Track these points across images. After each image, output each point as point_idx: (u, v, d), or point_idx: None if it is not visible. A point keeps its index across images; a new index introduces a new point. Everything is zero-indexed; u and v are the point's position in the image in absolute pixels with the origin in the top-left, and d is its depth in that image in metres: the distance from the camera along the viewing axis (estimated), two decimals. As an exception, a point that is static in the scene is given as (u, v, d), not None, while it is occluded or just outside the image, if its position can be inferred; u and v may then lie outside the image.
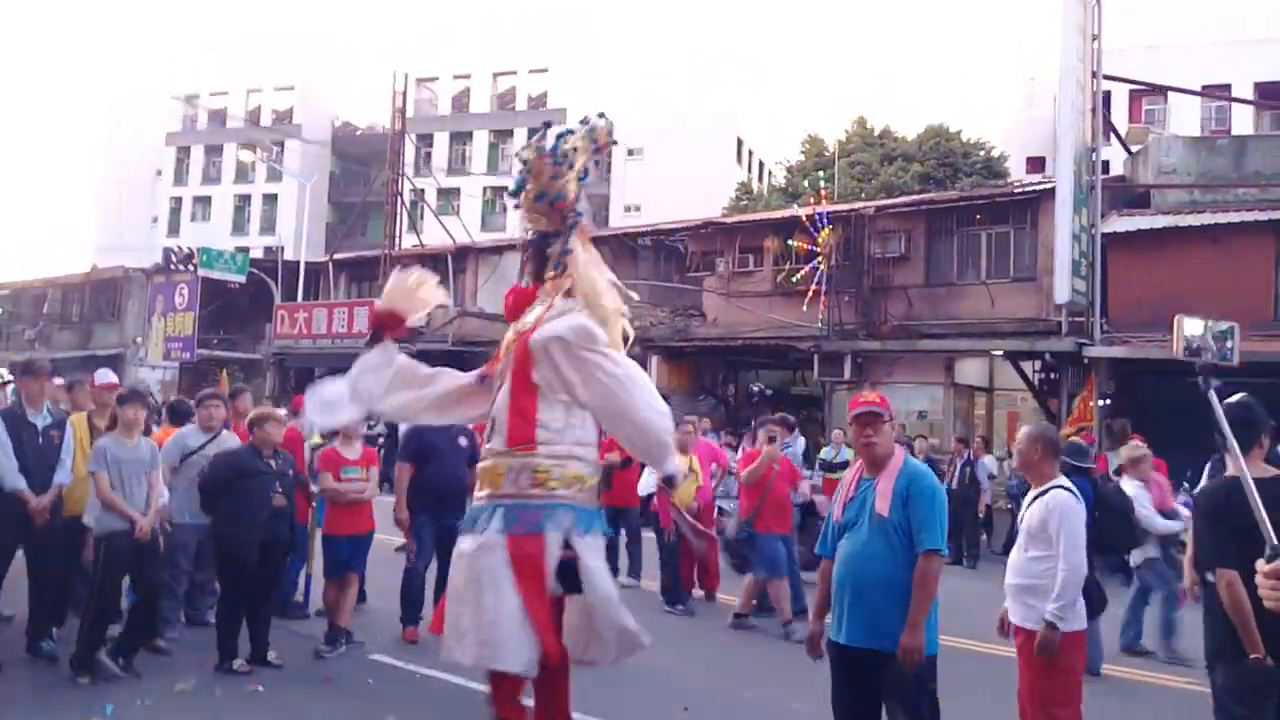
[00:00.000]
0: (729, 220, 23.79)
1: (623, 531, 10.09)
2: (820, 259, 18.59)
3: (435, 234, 28.69)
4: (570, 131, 4.34)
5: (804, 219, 18.99)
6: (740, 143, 43.07)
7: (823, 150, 35.00)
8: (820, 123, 37.51)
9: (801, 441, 14.13)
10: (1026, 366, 17.72)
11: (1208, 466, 6.89)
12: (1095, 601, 5.00)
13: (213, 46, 49.67)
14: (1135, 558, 8.04)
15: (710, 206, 30.68)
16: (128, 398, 6.38)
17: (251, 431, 6.58)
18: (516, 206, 4.53)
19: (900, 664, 3.79)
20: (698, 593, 9.54)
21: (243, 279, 27.73)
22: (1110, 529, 5.58)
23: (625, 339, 4.39)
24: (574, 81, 39.56)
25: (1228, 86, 29.44)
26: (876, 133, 34.69)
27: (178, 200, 50.00)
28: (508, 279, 16.51)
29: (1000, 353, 17.65)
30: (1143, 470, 8.07)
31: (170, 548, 6.60)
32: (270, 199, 47.18)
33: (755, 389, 21.01)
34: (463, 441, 7.32)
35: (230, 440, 7.12)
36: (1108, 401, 15.11)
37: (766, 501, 8.21)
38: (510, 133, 41.95)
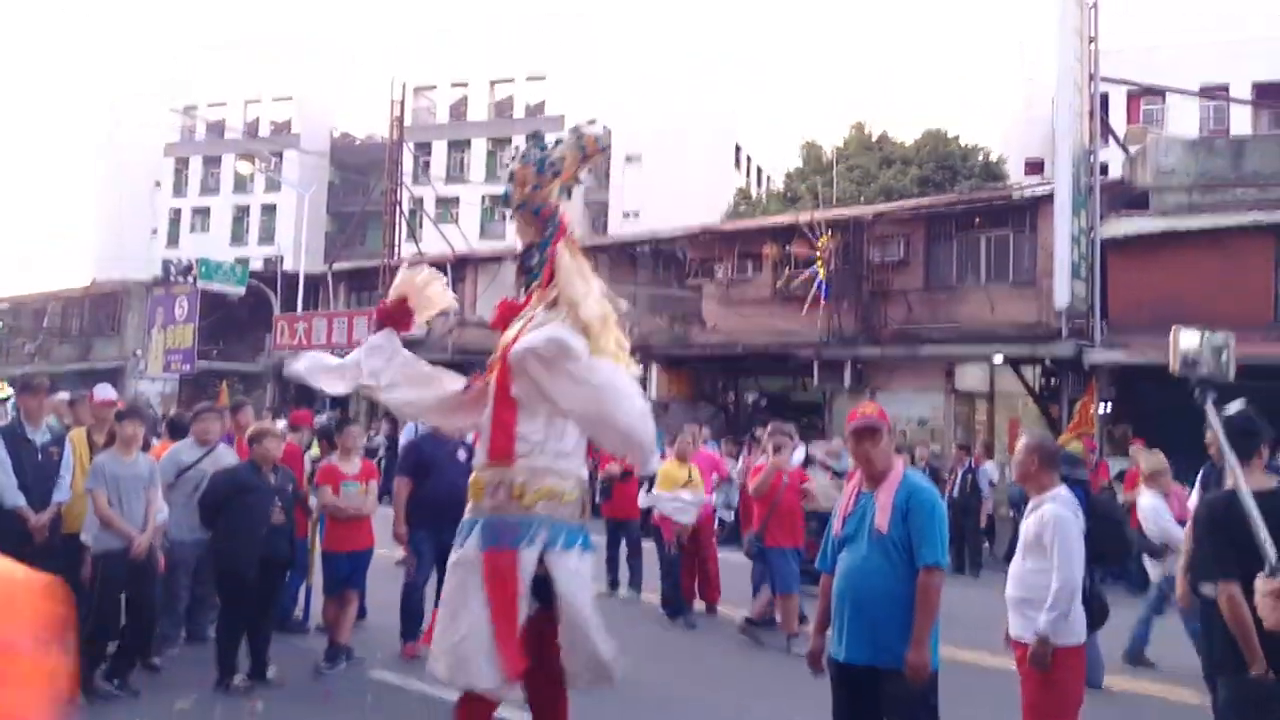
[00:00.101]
0: (727, 227, 23.80)
1: (623, 543, 10.08)
2: (819, 264, 18.59)
3: (434, 243, 28.70)
4: (558, 141, 4.34)
5: (803, 225, 18.99)
6: (738, 149, 43.10)
7: (821, 155, 35.05)
8: (818, 128, 37.59)
9: (802, 449, 14.09)
10: (1027, 372, 17.71)
11: (1200, 474, 6.86)
12: (1096, 614, 4.97)
13: (212, 46, 49.71)
14: (1154, 572, 7.96)
15: (709, 213, 30.71)
16: (126, 414, 6.38)
17: (251, 447, 6.57)
18: (510, 217, 4.54)
19: (905, 680, 3.77)
20: (699, 605, 9.50)
21: (242, 290, 27.72)
22: (1102, 539, 5.55)
23: (622, 348, 4.36)
24: (572, 88, 39.62)
25: (1225, 87, 29.48)
26: (874, 137, 34.77)
27: (177, 211, 50.04)
28: (507, 288, 16.53)
29: (1000, 358, 17.64)
30: (1163, 482, 7.96)
31: (169, 565, 6.59)
32: (269, 209, 47.21)
33: (751, 397, 20.99)
34: (461, 455, 7.28)
35: (226, 455, 7.11)
36: (1109, 407, 15.08)
37: (775, 514, 8.05)
38: (508, 140, 41.90)
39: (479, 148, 44.57)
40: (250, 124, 48.43)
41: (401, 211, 28.46)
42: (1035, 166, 31.14)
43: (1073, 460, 6.92)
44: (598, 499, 10.78)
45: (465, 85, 45.85)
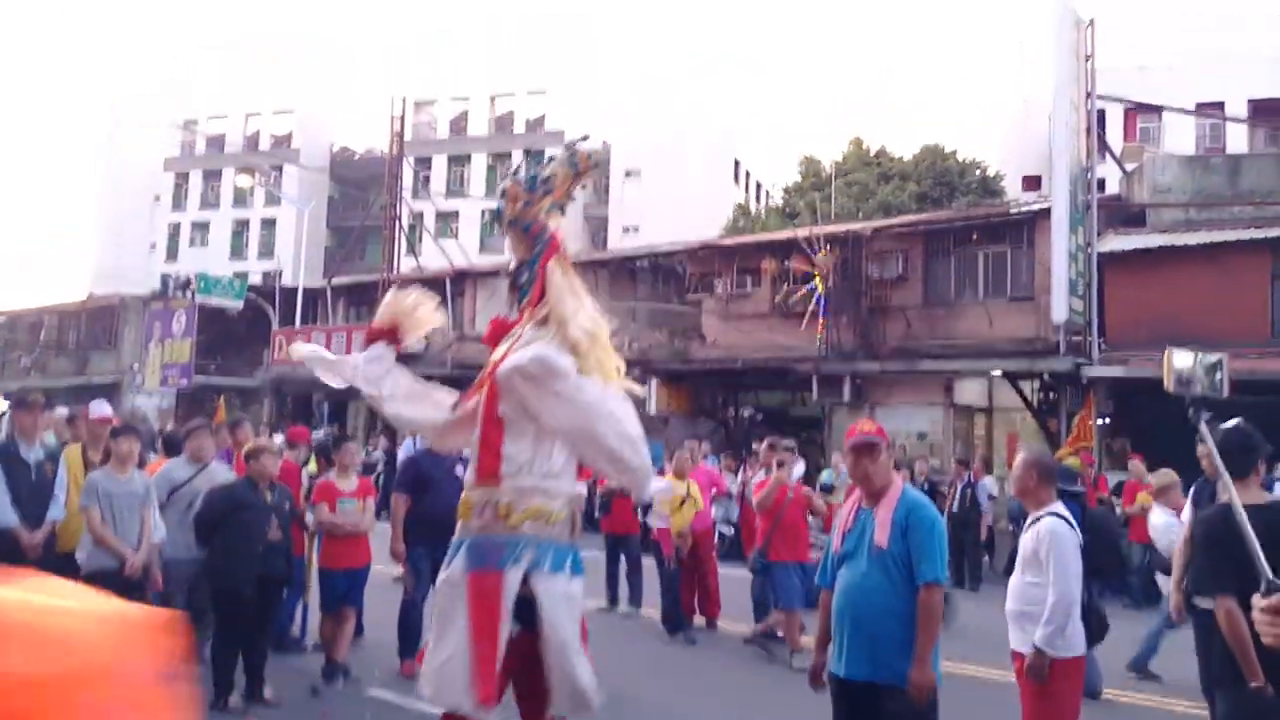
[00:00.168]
0: (727, 242, 23.83)
1: (623, 559, 10.05)
2: (818, 280, 18.63)
3: (434, 257, 28.73)
4: (551, 159, 4.36)
5: (801, 240, 19.04)
6: (737, 164, 43.23)
7: (820, 170, 35.17)
8: (817, 143, 37.72)
9: (801, 464, 14.09)
10: (1025, 386, 17.72)
11: (1192, 489, 6.86)
12: (1095, 628, 4.98)
13: (212, 46, 49.76)
14: (1166, 588, 7.93)
15: (708, 228, 30.76)
16: (121, 431, 6.36)
17: (248, 463, 6.55)
18: (503, 233, 4.54)
19: (906, 697, 3.77)
20: (699, 620, 9.47)
21: (240, 305, 27.72)
22: (1096, 553, 5.56)
23: (617, 366, 4.34)
24: (572, 103, 39.76)
25: (1221, 104, 29.61)
26: (873, 152, 34.90)
27: (176, 226, 50.07)
28: (506, 302, 16.52)
29: (999, 373, 17.65)
30: (1173, 499, 7.96)
31: (164, 583, 6.55)
32: (269, 224, 47.27)
33: (747, 412, 20.98)
34: (460, 471, 7.26)
35: (220, 472, 7.07)
36: (1107, 421, 15.09)
37: (779, 529, 8.05)
38: (508, 155, 42.04)
39: (479, 162, 44.69)
40: (250, 138, 48.56)
41: (401, 226, 28.53)
42: (1033, 182, 31.27)
43: (1068, 475, 6.93)
44: (597, 514, 10.78)
45: (465, 100, 46.00)
